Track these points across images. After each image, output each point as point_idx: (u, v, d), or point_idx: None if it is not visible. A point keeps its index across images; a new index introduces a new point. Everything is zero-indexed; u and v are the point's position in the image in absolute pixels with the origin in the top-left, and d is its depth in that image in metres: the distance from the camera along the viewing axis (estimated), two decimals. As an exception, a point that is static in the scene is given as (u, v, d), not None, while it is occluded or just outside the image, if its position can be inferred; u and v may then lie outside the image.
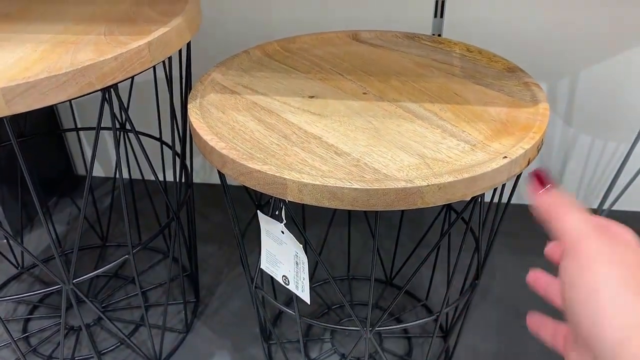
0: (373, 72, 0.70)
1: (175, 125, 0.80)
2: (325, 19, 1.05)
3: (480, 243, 0.67)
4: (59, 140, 1.27)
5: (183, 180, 0.83)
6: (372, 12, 1.03)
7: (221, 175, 0.66)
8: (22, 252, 1.05)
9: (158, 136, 0.91)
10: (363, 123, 0.59)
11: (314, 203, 0.50)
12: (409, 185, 0.48)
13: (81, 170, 1.33)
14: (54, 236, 1.09)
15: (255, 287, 0.72)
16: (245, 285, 1.02)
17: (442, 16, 1.00)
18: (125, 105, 0.94)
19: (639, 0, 0.96)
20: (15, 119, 0.97)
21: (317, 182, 0.49)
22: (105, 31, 0.65)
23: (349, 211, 0.96)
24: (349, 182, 0.49)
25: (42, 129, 1.19)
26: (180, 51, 0.78)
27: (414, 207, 0.49)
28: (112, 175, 1.27)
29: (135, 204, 1.05)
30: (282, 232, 0.60)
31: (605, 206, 1.15)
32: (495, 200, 0.66)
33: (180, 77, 0.79)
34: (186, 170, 0.84)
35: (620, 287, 0.30)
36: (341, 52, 0.77)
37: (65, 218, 1.19)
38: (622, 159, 1.08)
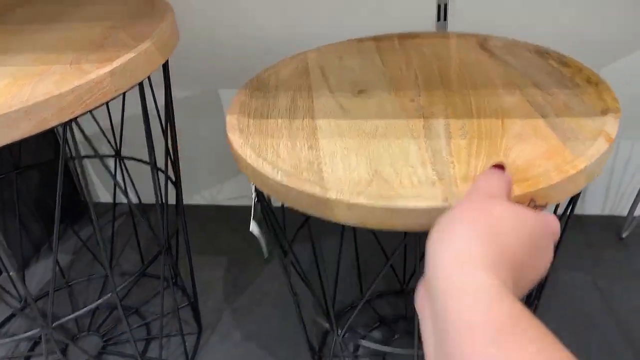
0: (452, 81, 0.65)
1: (169, 152, 0.77)
2: (329, 27, 1.00)
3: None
4: (65, 169, 1.26)
5: (165, 201, 0.80)
6: (374, 17, 0.98)
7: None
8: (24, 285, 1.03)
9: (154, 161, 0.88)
10: (371, 125, 0.57)
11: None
12: (320, 194, 0.47)
13: (91, 196, 1.31)
14: (56, 269, 1.07)
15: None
16: (251, 313, 0.98)
17: (445, 19, 0.94)
18: (120, 130, 0.92)
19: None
20: (11, 148, 0.95)
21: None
22: (73, 59, 0.61)
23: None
24: (275, 172, 0.50)
25: (45, 155, 1.17)
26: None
27: (330, 220, 0.48)
28: (118, 201, 1.25)
29: (136, 228, 1.02)
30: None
31: (637, 213, 1.06)
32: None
33: (165, 100, 0.75)
34: (178, 197, 0.80)
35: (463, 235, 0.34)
36: (448, 55, 0.72)
37: (72, 247, 1.17)
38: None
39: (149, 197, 0.86)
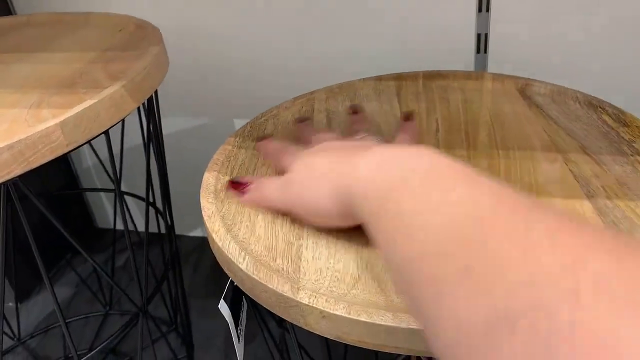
0: (479, 138, 0.54)
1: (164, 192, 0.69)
2: (351, 58, 0.90)
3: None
4: (78, 194, 1.21)
5: (146, 262, 0.71)
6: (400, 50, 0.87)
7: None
8: (18, 322, 0.97)
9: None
10: None
11: None
12: (289, 295, 0.37)
13: (101, 223, 1.25)
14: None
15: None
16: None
17: (485, 51, 0.82)
18: (120, 163, 0.85)
19: None
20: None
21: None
22: (34, 102, 0.53)
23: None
24: (241, 257, 0.41)
25: (60, 184, 1.12)
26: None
27: (302, 326, 0.38)
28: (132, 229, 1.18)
29: (138, 267, 0.95)
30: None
31: None
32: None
33: (153, 132, 0.67)
34: (171, 238, 0.72)
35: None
36: (479, 103, 0.60)
37: (75, 279, 1.11)
38: None
39: (151, 226, 0.78)
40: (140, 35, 0.65)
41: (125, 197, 0.87)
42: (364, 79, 0.68)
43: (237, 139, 0.58)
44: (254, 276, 0.39)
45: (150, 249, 0.96)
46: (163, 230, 0.80)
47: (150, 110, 0.62)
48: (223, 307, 0.49)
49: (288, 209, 0.43)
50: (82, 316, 1.00)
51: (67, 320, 0.99)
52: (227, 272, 0.44)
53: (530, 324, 0.18)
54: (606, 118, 0.55)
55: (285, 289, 0.38)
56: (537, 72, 0.67)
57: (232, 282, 0.50)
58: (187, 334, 0.83)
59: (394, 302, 0.36)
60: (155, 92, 0.69)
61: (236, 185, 0.47)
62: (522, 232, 0.22)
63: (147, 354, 0.92)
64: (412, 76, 0.68)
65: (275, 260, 0.41)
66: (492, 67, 0.82)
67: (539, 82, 0.62)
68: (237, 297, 0.52)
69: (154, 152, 0.66)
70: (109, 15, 0.73)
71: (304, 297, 0.37)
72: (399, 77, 0.68)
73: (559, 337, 0.18)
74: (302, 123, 0.56)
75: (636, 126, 0.52)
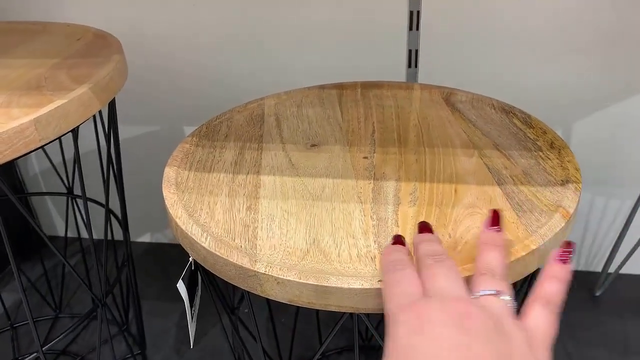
0: (409, 138, 0.61)
1: (118, 192, 0.73)
2: (294, 68, 0.97)
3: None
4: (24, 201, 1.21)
5: (105, 258, 0.75)
6: (342, 60, 0.95)
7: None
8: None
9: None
10: (318, 185, 0.54)
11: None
12: (248, 266, 0.43)
13: (47, 230, 1.26)
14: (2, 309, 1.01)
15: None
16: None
17: (416, 66, 0.91)
18: (73, 170, 0.88)
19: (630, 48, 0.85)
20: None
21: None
22: (3, 102, 0.57)
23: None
24: (203, 237, 0.46)
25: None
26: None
27: (259, 294, 0.44)
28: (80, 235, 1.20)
29: (88, 272, 0.97)
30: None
31: (611, 269, 1.02)
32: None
33: (108, 132, 0.71)
34: (127, 238, 0.76)
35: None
36: (409, 109, 0.68)
37: (24, 283, 1.11)
38: (626, 219, 0.96)
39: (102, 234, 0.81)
40: (100, 44, 0.70)
41: (74, 202, 0.89)
42: (308, 87, 0.75)
43: (194, 138, 0.63)
44: (216, 252, 0.45)
45: (100, 254, 0.99)
46: (115, 237, 0.83)
47: (112, 113, 0.67)
48: (181, 287, 0.54)
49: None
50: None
51: (15, 325, 1.00)
52: (189, 252, 0.49)
53: None
54: (516, 121, 0.64)
55: (244, 262, 0.43)
56: (461, 82, 0.76)
57: (189, 266, 0.56)
58: (140, 330, 0.87)
59: (337, 268, 0.43)
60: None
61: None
62: None
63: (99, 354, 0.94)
64: (351, 86, 0.75)
65: (234, 240, 0.47)
66: (422, 78, 0.92)
67: (460, 91, 0.71)
68: (193, 281, 0.57)
69: (114, 156, 0.70)
70: (66, 25, 0.76)
71: (260, 268, 0.43)
72: (340, 86, 0.75)
73: None
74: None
75: (540, 128, 0.61)
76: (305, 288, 0.42)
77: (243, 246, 0.46)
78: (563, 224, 0.46)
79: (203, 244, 0.46)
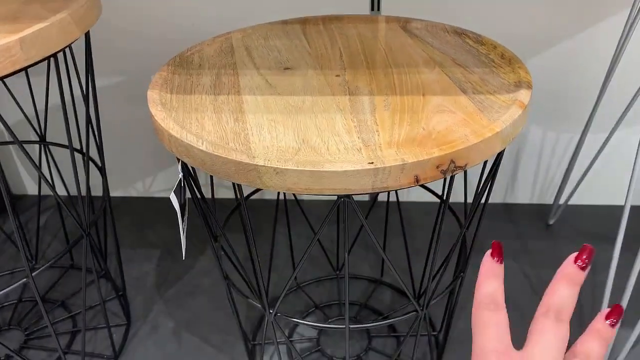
0: (375, 60, 0.66)
1: (92, 133, 0.74)
2: (255, 8, 0.99)
3: (464, 231, 0.63)
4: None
5: (87, 184, 0.77)
6: None
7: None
8: None
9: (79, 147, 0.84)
10: (298, 99, 0.57)
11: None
12: (247, 161, 0.47)
13: (15, 189, 1.24)
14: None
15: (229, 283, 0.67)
16: (183, 304, 0.96)
17: (379, 9, 0.96)
18: (44, 114, 0.88)
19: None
20: None
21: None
22: (-18, 31, 0.58)
23: (338, 208, 0.92)
24: (199, 142, 0.50)
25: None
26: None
27: (258, 187, 0.48)
28: (46, 193, 1.19)
29: (64, 220, 0.98)
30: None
31: (561, 201, 1.12)
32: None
33: (86, 73, 0.72)
34: (104, 181, 0.77)
35: None
36: (371, 36, 0.73)
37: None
38: (573, 152, 1.05)
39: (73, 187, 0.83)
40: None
41: (46, 149, 0.89)
42: (271, 22, 0.78)
43: (170, 67, 0.66)
44: (215, 153, 0.49)
45: (75, 200, 0.99)
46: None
47: (87, 45, 0.68)
48: (173, 198, 0.58)
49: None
50: (7, 272, 1.01)
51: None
52: (185, 159, 0.52)
53: None
54: (468, 41, 0.70)
55: (243, 158, 0.48)
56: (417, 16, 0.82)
57: (180, 180, 0.59)
58: (120, 273, 0.89)
59: (327, 158, 0.47)
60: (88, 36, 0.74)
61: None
62: None
63: (79, 298, 0.96)
64: (313, 19, 0.79)
65: (229, 144, 0.50)
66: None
67: (416, 19, 0.76)
68: (181, 195, 0.60)
69: (92, 94, 0.71)
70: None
71: (260, 161, 0.47)
72: (302, 21, 0.79)
73: None
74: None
75: (490, 44, 0.68)
76: (302, 175, 0.46)
77: (238, 148, 0.50)
78: (520, 112, 0.52)
79: (200, 147, 0.49)
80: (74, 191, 0.88)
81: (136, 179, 1.23)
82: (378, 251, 1.01)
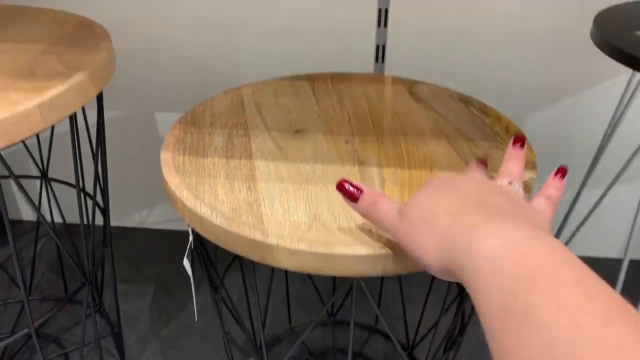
0: (383, 126, 0.68)
1: (98, 178, 0.75)
2: (266, 54, 1.01)
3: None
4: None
5: (92, 231, 0.77)
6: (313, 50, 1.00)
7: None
8: None
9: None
10: (309, 167, 0.59)
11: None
12: (260, 239, 0.48)
13: (12, 214, 1.24)
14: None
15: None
16: (178, 345, 0.96)
17: (383, 60, 0.98)
18: (48, 150, 0.88)
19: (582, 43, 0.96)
20: None
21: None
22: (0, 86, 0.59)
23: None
24: (214, 215, 0.50)
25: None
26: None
27: (269, 264, 0.49)
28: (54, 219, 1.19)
29: (60, 252, 0.98)
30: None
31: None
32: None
33: (97, 132, 0.73)
34: (106, 226, 0.78)
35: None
36: (378, 99, 0.75)
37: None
38: (570, 205, 1.08)
39: (74, 217, 0.83)
40: (86, 32, 0.71)
41: (47, 184, 0.90)
42: (281, 77, 0.80)
43: (182, 124, 0.67)
44: (228, 229, 0.50)
45: (75, 237, 0.99)
46: (90, 221, 0.85)
47: (100, 102, 0.69)
48: (186, 264, 0.59)
49: (392, 234, 0.43)
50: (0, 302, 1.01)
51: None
52: (199, 230, 0.53)
53: None
54: (473, 110, 0.72)
55: (257, 236, 0.49)
56: (422, 76, 0.84)
57: (190, 245, 0.60)
58: (116, 310, 0.89)
59: (339, 239, 0.49)
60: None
61: (346, 190, 0.46)
62: (611, 347, 0.25)
63: (72, 334, 0.96)
64: (322, 77, 0.81)
65: (242, 217, 0.52)
66: (388, 72, 0.99)
67: (422, 83, 0.78)
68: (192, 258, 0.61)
69: (101, 144, 0.72)
70: (47, 10, 0.77)
71: (273, 240, 0.48)
72: (311, 78, 0.81)
73: None
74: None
75: (495, 115, 0.70)
76: (314, 256, 0.47)
77: (251, 222, 0.51)
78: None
79: (215, 222, 0.51)
80: (70, 220, 0.88)
81: (133, 210, 1.24)
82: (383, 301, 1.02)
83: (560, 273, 0.29)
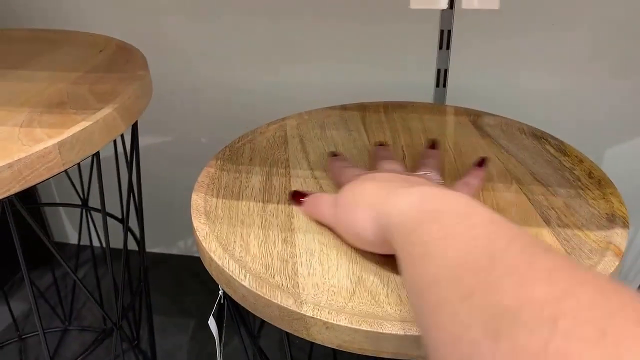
0: (443, 167, 0.60)
1: (135, 206, 0.70)
2: (324, 84, 0.95)
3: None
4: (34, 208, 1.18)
5: (123, 279, 0.72)
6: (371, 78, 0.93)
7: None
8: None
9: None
10: None
11: None
12: (294, 308, 0.41)
13: (58, 237, 1.23)
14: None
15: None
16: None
17: (444, 85, 0.89)
18: (88, 181, 0.85)
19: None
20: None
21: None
22: (25, 121, 0.54)
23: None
24: (242, 274, 0.44)
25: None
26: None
27: (304, 338, 0.42)
28: (89, 244, 1.17)
29: (99, 282, 0.95)
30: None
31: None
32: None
33: (131, 155, 0.68)
34: (142, 256, 0.73)
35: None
36: (438, 132, 0.67)
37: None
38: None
39: (114, 242, 0.79)
40: (124, 58, 0.67)
41: (87, 213, 0.87)
42: (330, 107, 0.73)
43: (218, 162, 0.61)
44: (257, 292, 0.43)
45: (115, 273, 0.96)
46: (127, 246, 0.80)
47: (134, 132, 0.64)
48: (212, 324, 0.52)
49: (333, 226, 0.48)
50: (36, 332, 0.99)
51: (23, 336, 0.97)
52: (226, 289, 0.47)
53: (513, 341, 0.22)
54: (549, 148, 0.62)
55: (289, 303, 0.41)
56: (488, 105, 0.75)
57: (218, 301, 0.53)
58: (152, 347, 0.84)
59: (388, 312, 0.41)
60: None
61: (296, 196, 0.53)
62: (524, 269, 0.25)
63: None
64: (374, 106, 0.73)
65: (274, 277, 0.45)
66: (450, 99, 0.90)
67: (488, 114, 0.69)
68: (220, 316, 0.55)
69: (135, 171, 0.67)
70: (88, 34, 0.74)
71: (308, 310, 0.41)
72: (362, 107, 0.73)
73: (534, 354, 0.20)
74: (381, 147, 0.61)
75: (575, 155, 0.60)
76: (356, 334, 0.40)
77: (284, 284, 0.44)
78: (617, 264, 0.44)
79: (243, 282, 0.44)
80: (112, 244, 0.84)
81: (176, 236, 1.19)
82: None
83: (462, 212, 0.32)
